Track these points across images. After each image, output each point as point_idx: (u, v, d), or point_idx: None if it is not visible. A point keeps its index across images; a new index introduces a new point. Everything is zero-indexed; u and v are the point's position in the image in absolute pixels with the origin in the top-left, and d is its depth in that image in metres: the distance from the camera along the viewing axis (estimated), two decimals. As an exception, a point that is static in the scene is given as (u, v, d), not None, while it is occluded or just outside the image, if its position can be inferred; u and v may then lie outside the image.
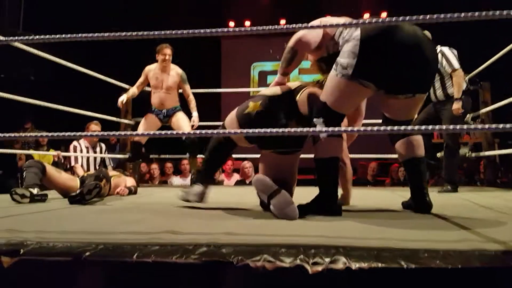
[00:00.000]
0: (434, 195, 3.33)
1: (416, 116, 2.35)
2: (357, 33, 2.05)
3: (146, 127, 4.72)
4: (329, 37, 2.24)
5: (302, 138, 2.32)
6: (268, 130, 1.64)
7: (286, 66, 2.33)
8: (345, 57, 2.06)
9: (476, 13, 1.59)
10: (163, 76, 4.74)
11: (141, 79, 4.87)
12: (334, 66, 2.13)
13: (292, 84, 2.42)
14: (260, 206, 2.37)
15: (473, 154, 4.70)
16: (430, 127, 1.59)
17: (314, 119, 2.16)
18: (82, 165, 4.93)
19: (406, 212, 2.33)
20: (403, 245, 1.31)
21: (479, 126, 1.65)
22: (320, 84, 2.46)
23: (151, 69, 4.81)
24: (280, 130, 1.67)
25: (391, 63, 2.03)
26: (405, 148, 2.30)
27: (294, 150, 2.33)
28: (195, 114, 4.73)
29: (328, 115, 2.13)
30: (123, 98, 4.73)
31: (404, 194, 3.25)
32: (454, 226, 1.76)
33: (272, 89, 2.37)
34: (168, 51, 4.65)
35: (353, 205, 2.68)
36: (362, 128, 1.69)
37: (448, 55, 3.98)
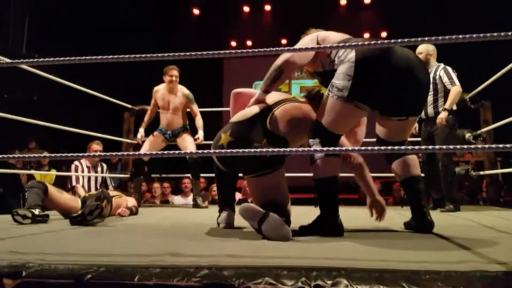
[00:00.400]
0: (436, 214, 3.33)
1: (408, 137, 2.38)
2: (352, 55, 2.07)
3: (151, 145, 4.74)
4: (325, 54, 2.27)
5: (280, 155, 2.27)
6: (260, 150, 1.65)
7: (270, 84, 2.32)
8: (340, 80, 2.09)
9: (475, 35, 1.62)
10: (170, 97, 4.81)
11: (152, 101, 4.96)
12: (329, 87, 2.16)
13: (273, 98, 2.42)
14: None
15: (473, 173, 4.70)
16: (430, 147, 1.60)
17: (310, 140, 2.18)
18: (83, 185, 4.94)
19: (408, 232, 2.32)
20: (404, 267, 1.31)
21: (480, 146, 1.66)
22: (308, 95, 2.49)
23: (158, 90, 4.89)
24: (263, 149, 1.68)
25: (386, 86, 2.06)
26: (401, 168, 2.33)
27: (274, 170, 2.27)
28: (201, 132, 4.76)
29: (325, 136, 2.15)
30: (142, 134, 4.92)
31: (406, 213, 3.23)
32: (455, 247, 1.75)
33: (244, 113, 2.37)
34: (175, 72, 4.72)
35: (355, 225, 2.67)
36: (363, 148, 1.70)
37: (451, 73, 4.08)
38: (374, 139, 2.44)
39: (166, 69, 4.74)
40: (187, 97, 4.81)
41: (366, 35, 8.75)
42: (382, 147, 1.67)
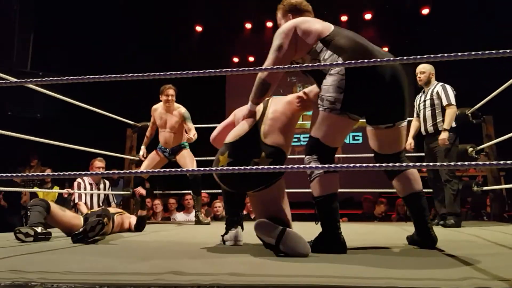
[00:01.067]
0: (440, 230, 3.31)
1: (403, 147, 2.35)
2: (340, 67, 2.06)
3: (151, 163, 4.76)
4: (305, 50, 2.25)
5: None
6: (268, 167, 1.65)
7: (259, 97, 2.33)
8: (331, 92, 2.09)
9: (473, 53, 1.63)
10: (167, 116, 4.86)
11: (152, 119, 5.03)
12: (319, 101, 2.16)
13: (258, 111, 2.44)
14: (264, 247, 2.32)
15: (477, 188, 4.68)
16: (431, 164, 1.61)
17: (307, 157, 2.17)
18: (85, 202, 4.95)
19: (411, 248, 2.31)
20: (407, 285, 1.31)
21: (481, 162, 1.66)
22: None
23: (156, 109, 4.95)
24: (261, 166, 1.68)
25: (375, 96, 2.09)
26: (402, 184, 2.30)
27: (275, 182, 2.28)
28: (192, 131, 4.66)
29: (322, 151, 2.15)
30: (143, 151, 5.00)
31: (410, 229, 3.22)
32: (458, 263, 1.74)
33: (236, 132, 2.38)
34: (171, 91, 4.76)
35: (358, 241, 2.65)
36: (364, 165, 1.68)
37: (449, 91, 4.15)
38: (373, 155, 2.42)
39: (162, 88, 4.78)
40: (183, 115, 4.81)
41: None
42: (384, 164, 1.67)
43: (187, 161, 4.73)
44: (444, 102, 4.11)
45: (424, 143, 4.39)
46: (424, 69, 4.27)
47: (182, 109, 4.86)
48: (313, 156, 2.15)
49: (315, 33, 2.23)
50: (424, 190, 2.33)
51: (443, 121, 4.11)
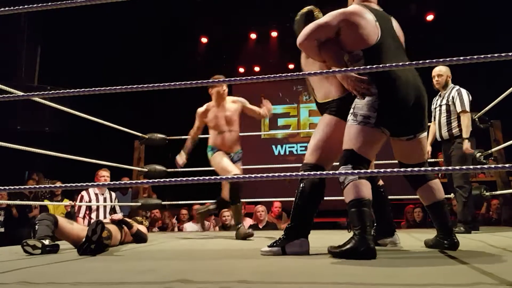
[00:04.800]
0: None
1: (426, 158, 2.49)
2: (374, 90, 2.19)
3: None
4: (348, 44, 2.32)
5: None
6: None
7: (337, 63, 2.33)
8: (365, 110, 2.21)
9: (483, 56, 1.62)
10: (225, 112, 4.09)
11: (197, 123, 4.23)
12: (352, 116, 2.25)
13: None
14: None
15: (487, 193, 4.63)
16: (436, 168, 1.60)
17: (342, 167, 2.23)
18: (90, 214, 4.99)
19: (419, 254, 2.30)
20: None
21: (491, 166, 1.64)
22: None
23: (207, 110, 4.16)
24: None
25: (403, 114, 2.23)
26: (426, 194, 2.45)
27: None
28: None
29: (357, 161, 2.21)
30: (183, 160, 4.23)
31: (420, 236, 3.20)
32: (466, 268, 1.72)
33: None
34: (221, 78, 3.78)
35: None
36: (389, 170, 1.74)
37: (463, 96, 4.09)
38: (389, 161, 2.49)
39: (211, 79, 4.04)
40: (241, 101, 4.15)
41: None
42: (402, 169, 1.67)
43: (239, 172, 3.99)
44: (458, 109, 4.05)
45: (442, 149, 4.35)
46: (441, 72, 4.19)
47: (234, 97, 4.18)
48: (348, 166, 2.21)
49: (360, 39, 2.27)
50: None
51: (458, 126, 4.07)
